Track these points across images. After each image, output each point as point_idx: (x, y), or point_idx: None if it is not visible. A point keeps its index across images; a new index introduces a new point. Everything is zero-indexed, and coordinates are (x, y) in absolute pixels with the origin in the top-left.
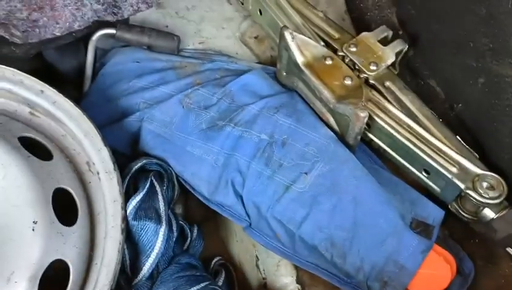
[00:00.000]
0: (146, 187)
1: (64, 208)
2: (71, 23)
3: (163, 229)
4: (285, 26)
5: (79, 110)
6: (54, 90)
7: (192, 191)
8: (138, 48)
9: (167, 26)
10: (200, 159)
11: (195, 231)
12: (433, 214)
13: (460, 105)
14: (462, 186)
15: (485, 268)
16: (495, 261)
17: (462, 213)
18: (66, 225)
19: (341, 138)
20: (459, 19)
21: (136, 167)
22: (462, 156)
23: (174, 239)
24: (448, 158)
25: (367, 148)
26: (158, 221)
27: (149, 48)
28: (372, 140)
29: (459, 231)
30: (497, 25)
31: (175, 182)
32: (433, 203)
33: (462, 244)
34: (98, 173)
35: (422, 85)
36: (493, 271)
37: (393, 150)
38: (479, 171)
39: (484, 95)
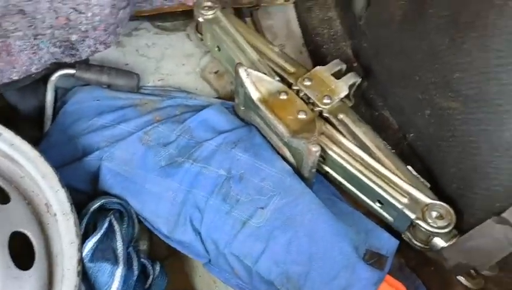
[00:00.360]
0: (103, 227)
1: (21, 249)
2: (28, 66)
3: (119, 270)
4: (239, 63)
5: (36, 152)
6: (12, 132)
7: (152, 229)
8: (97, 87)
9: (127, 64)
10: (159, 197)
11: (158, 268)
12: (387, 244)
13: (412, 135)
14: (412, 216)
15: None
16: (450, 288)
17: (415, 242)
18: (23, 269)
19: (297, 171)
20: (405, 53)
21: (94, 207)
22: (412, 186)
23: (135, 278)
24: (399, 189)
25: (325, 180)
26: (115, 262)
27: (109, 86)
28: (328, 172)
29: (415, 259)
30: (438, 61)
31: (135, 220)
32: (388, 232)
33: (418, 272)
34: (55, 215)
35: (376, 115)
36: None
37: (347, 182)
38: (428, 200)
39: (431, 126)
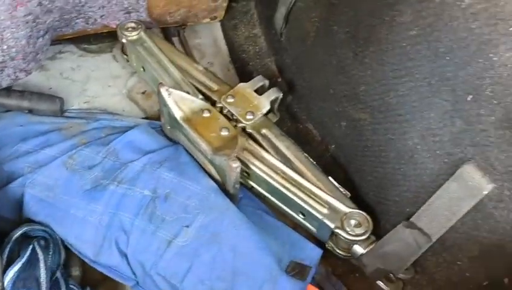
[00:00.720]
0: (25, 256)
1: None
2: None
3: None
4: (161, 83)
5: None
6: None
7: (79, 255)
8: (21, 113)
9: (51, 88)
10: (84, 221)
11: None
12: (311, 254)
13: (333, 146)
14: (332, 225)
15: None
16: None
17: (337, 251)
18: None
19: (223, 187)
20: (320, 68)
21: (16, 235)
22: (332, 196)
23: None
24: (319, 200)
25: (252, 195)
26: None
27: (31, 111)
28: (253, 187)
29: (342, 267)
30: (346, 74)
31: (61, 247)
32: (314, 243)
33: (344, 279)
34: None
35: (301, 129)
36: None
37: (271, 195)
38: (347, 210)
39: (348, 137)
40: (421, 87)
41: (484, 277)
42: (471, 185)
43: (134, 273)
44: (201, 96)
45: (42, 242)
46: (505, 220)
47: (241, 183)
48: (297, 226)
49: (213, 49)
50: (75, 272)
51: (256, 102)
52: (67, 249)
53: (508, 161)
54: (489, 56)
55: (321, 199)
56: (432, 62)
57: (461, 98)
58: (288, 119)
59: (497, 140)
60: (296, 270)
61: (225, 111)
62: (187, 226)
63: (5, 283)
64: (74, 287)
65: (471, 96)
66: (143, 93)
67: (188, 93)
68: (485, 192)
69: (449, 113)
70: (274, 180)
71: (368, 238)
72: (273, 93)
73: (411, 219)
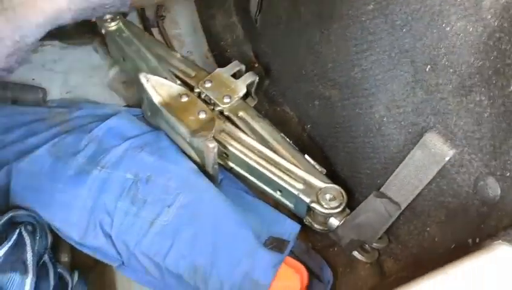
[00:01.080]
0: (11, 240)
1: None
2: None
3: (29, 279)
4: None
5: None
6: None
7: (65, 238)
8: (4, 104)
9: (33, 79)
10: (68, 205)
11: (76, 277)
12: (289, 229)
13: (309, 126)
14: (307, 200)
15: (345, 273)
16: (353, 265)
17: (315, 226)
18: None
19: (203, 168)
20: (293, 50)
21: (2, 221)
22: (307, 173)
23: (51, 288)
24: (295, 176)
25: (232, 176)
26: (25, 272)
27: (15, 102)
28: (232, 167)
29: (321, 242)
30: (315, 54)
31: (48, 231)
32: (292, 219)
33: (324, 253)
34: None
35: (278, 111)
36: (351, 275)
37: (249, 175)
38: (322, 185)
39: (321, 115)
40: (383, 60)
41: (451, 240)
42: (434, 152)
43: (119, 254)
44: (179, 82)
45: (29, 227)
46: (466, 184)
47: (221, 165)
48: (278, 205)
49: (192, 38)
50: (65, 258)
51: (233, 86)
52: (55, 234)
53: (466, 127)
54: (442, 26)
55: (297, 176)
56: (390, 35)
57: (420, 68)
58: (266, 103)
59: (456, 107)
60: (274, 243)
61: (203, 96)
62: (169, 206)
63: None
64: (62, 271)
65: (429, 67)
66: (124, 82)
67: (166, 79)
68: (447, 158)
69: (410, 84)
70: (251, 159)
71: (343, 211)
72: (249, 77)
73: (381, 189)
